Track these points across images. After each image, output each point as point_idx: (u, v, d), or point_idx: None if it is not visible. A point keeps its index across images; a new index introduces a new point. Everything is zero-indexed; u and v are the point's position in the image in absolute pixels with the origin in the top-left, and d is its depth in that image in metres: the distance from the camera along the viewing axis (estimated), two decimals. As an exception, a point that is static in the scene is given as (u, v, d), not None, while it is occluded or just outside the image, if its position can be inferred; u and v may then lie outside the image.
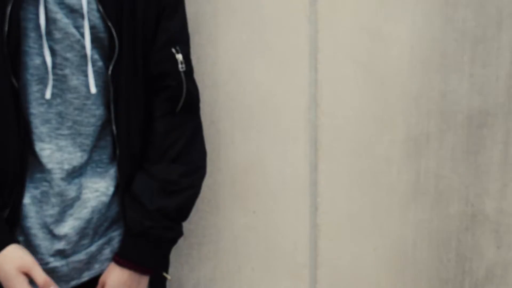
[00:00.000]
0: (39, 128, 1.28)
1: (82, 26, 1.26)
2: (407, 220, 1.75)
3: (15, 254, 1.26)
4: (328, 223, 1.74)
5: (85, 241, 1.33)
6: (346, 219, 1.74)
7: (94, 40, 1.27)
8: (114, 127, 1.32)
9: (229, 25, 1.63)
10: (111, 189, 1.35)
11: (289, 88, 1.66)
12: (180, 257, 1.71)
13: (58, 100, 1.28)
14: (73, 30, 1.25)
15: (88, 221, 1.32)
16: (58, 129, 1.29)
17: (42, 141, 1.28)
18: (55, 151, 1.29)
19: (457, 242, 1.77)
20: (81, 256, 1.33)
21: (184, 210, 1.40)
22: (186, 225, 1.47)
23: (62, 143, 1.29)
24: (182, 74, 1.37)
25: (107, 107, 1.32)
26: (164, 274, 1.45)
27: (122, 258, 1.34)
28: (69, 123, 1.29)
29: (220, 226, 1.74)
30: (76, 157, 1.30)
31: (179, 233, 1.42)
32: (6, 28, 1.20)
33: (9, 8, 1.20)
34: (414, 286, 1.77)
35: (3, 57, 1.22)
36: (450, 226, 1.76)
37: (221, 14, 1.63)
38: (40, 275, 1.25)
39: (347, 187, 1.73)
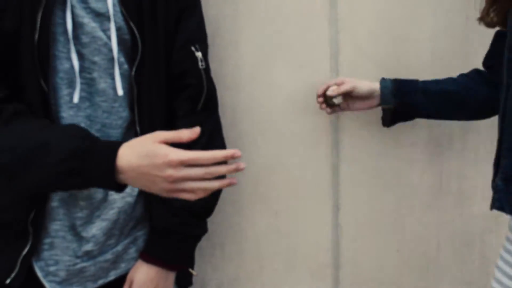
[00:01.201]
0: None
1: (108, 29, 1.27)
2: (430, 221, 1.74)
3: (141, 138, 1.11)
4: (350, 224, 1.74)
5: (112, 241, 1.35)
6: (368, 219, 1.74)
7: (120, 42, 1.29)
8: (138, 128, 1.33)
9: (250, 27, 1.64)
10: (136, 190, 1.36)
11: (310, 89, 1.66)
12: (203, 257, 1.73)
13: (87, 103, 1.29)
14: (100, 34, 1.27)
15: (115, 221, 1.34)
16: None
17: None
18: None
19: (481, 243, 1.75)
20: (108, 256, 1.35)
21: (209, 206, 1.43)
22: (209, 225, 1.48)
23: None
24: (202, 72, 1.39)
25: (131, 108, 1.34)
26: (190, 270, 1.47)
27: (149, 255, 1.37)
28: (98, 126, 1.31)
29: (242, 227, 1.75)
30: None
31: (204, 230, 1.44)
32: (36, 36, 1.22)
33: (39, 15, 1.21)
34: (436, 287, 1.76)
35: (33, 62, 1.23)
36: (474, 227, 1.74)
37: (242, 16, 1.64)
38: (170, 134, 1.09)
39: (369, 188, 1.72)
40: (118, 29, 1.28)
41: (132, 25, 1.28)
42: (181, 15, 1.36)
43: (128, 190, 1.35)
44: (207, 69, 1.41)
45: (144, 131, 1.33)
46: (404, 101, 1.51)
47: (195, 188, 1.07)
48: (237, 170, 1.07)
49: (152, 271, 1.36)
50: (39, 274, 1.32)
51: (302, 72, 1.66)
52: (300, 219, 1.74)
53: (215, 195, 1.43)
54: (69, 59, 1.26)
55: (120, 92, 1.29)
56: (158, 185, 1.07)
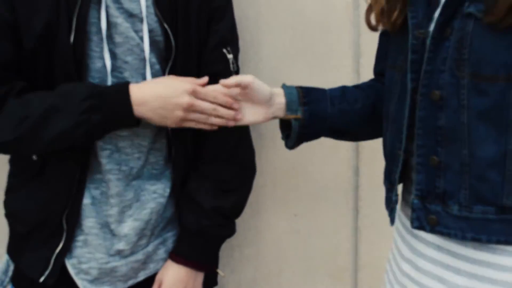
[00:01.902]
0: None
1: (140, 30, 1.28)
2: (449, 224, 1.73)
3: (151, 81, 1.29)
4: (369, 227, 1.73)
5: (143, 242, 1.36)
6: (387, 222, 1.73)
7: (152, 43, 1.30)
8: (169, 129, 1.34)
9: (272, 28, 1.64)
10: (167, 191, 1.37)
11: (331, 91, 1.66)
12: (222, 259, 1.71)
13: None
14: (133, 34, 1.28)
15: (147, 222, 1.35)
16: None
17: (103, 141, 1.31)
18: (114, 152, 1.32)
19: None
20: (139, 256, 1.36)
21: (238, 207, 1.44)
22: (227, 227, 1.48)
23: (121, 144, 1.32)
24: (234, 75, 1.38)
25: None
26: (219, 271, 1.49)
27: (178, 256, 1.38)
28: None
29: (261, 229, 1.75)
30: (133, 158, 1.33)
31: (233, 230, 1.45)
32: (72, 36, 1.23)
33: (75, 15, 1.22)
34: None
35: (69, 62, 1.24)
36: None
37: (264, 18, 1.64)
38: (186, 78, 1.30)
39: (389, 190, 1.72)
40: (150, 31, 1.29)
41: (166, 26, 1.29)
42: (213, 16, 1.36)
43: (160, 191, 1.37)
44: (238, 72, 1.41)
45: (175, 132, 1.34)
46: (312, 110, 1.30)
47: (201, 119, 1.28)
48: (234, 118, 1.29)
49: (181, 272, 1.37)
50: (71, 271, 1.33)
51: (324, 74, 1.65)
52: (319, 221, 1.74)
53: (244, 196, 1.44)
54: (101, 58, 1.27)
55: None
56: (173, 113, 1.25)
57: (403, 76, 1.11)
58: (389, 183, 1.19)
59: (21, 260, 1.35)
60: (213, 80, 1.36)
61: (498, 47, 0.97)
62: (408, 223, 1.16)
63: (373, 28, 1.23)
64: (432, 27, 1.06)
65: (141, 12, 1.27)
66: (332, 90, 1.33)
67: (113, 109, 1.22)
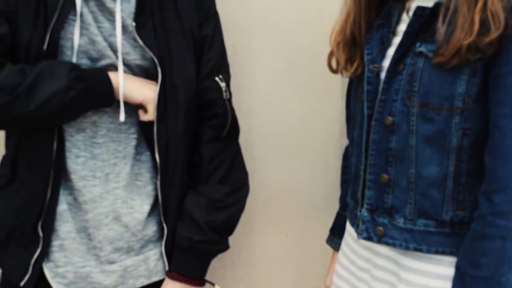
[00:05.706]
0: (75, 136, 1.34)
1: (117, 50, 1.32)
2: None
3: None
4: (358, 246, 1.76)
5: (119, 254, 1.38)
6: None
7: (134, 66, 1.34)
8: (156, 143, 1.36)
9: (264, 55, 1.69)
10: (145, 207, 1.39)
11: (321, 115, 1.71)
12: (215, 278, 1.74)
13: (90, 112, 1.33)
14: (110, 53, 1.32)
15: (121, 234, 1.38)
16: (92, 137, 1.35)
17: (77, 148, 1.34)
18: (89, 159, 1.34)
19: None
20: (115, 266, 1.38)
21: (230, 224, 1.47)
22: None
23: (97, 151, 1.34)
24: (227, 102, 1.43)
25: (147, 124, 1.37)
26: (216, 286, 1.51)
27: (173, 273, 1.41)
28: (103, 131, 1.35)
29: (253, 248, 1.78)
30: (109, 164, 1.35)
31: (226, 246, 1.48)
32: (45, 47, 1.27)
33: (50, 28, 1.26)
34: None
35: None
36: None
37: (257, 45, 1.69)
38: None
39: (376, 211, 1.75)
40: (126, 53, 1.32)
41: (150, 53, 1.32)
42: (202, 45, 1.41)
43: (137, 206, 1.39)
44: (230, 98, 1.46)
45: (160, 147, 1.37)
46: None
47: None
48: None
49: (177, 287, 1.41)
50: (48, 275, 1.36)
51: (313, 99, 1.70)
52: (310, 241, 1.77)
53: (237, 214, 1.48)
54: None
55: (122, 118, 1.33)
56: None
57: (362, 105, 1.24)
58: (354, 201, 1.30)
59: (4, 264, 1.38)
60: (208, 108, 1.41)
61: (444, 82, 1.10)
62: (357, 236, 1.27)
63: (334, 71, 1.36)
64: (384, 62, 1.20)
65: (116, 35, 1.31)
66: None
67: (93, 81, 1.28)
